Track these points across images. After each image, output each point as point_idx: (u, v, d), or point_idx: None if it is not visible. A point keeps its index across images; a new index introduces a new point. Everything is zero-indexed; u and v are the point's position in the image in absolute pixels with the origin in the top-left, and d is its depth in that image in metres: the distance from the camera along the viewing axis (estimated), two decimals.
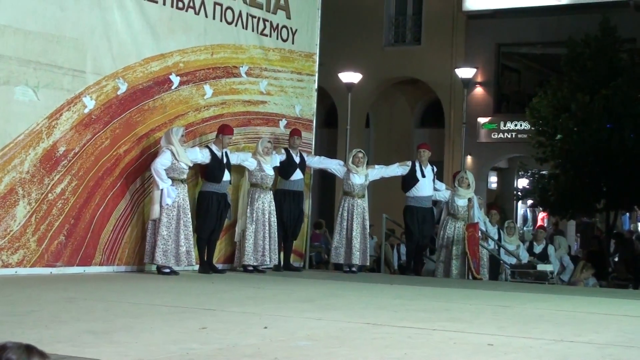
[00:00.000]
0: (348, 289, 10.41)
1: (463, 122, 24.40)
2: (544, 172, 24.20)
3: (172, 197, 11.12)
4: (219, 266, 12.29)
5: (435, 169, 13.95)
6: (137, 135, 11.45)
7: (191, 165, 11.52)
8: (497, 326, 6.85)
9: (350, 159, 13.38)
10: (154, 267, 11.34)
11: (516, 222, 18.31)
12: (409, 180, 13.65)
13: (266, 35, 13.60)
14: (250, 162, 12.45)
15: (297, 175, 13.15)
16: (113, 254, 11.19)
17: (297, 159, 13.17)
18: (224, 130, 12.06)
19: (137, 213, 11.46)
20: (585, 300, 10.17)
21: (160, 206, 11.06)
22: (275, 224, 12.59)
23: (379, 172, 13.81)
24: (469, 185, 13.95)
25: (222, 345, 5.34)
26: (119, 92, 11.28)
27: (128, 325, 6.17)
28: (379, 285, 11.27)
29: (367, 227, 13.45)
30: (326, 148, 25.78)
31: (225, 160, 11.97)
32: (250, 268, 12.35)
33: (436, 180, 13.96)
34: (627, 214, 28.19)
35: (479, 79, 27.78)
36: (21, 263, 10.14)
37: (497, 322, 7.17)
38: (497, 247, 15.05)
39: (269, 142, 12.68)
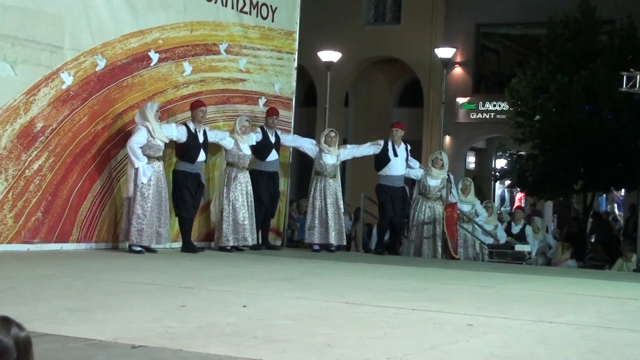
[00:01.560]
0: (328, 268, 10.41)
1: (442, 102, 24.45)
2: (522, 153, 24.25)
3: (147, 176, 10.87)
4: (196, 245, 12.14)
5: (408, 147, 13.78)
6: (115, 112, 11.36)
7: (167, 142, 11.28)
8: (477, 306, 6.87)
9: (323, 139, 13.28)
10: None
11: (494, 203, 18.29)
12: (382, 159, 13.48)
13: (246, 13, 13.51)
14: (227, 141, 12.23)
15: (273, 156, 12.97)
16: (90, 231, 11.12)
17: (272, 139, 12.98)
18: (193, 105, 11.85)
19: (115, 190, 11.39)
20: (564, 281, 10.22)
21: (135, 184, 10.82)
22: (253, 203, 12.43)
23: (350, 151, 13.75)
24: (442, 166, 13.86)
25: (201, 324, 5.32)
26: (97, 69, 11.19)
27: (106, 303, 6.15)
28: (359, 264, 11.27)
29: (342, 206, 13.41)
30: (305, 127, 25.72)
31: (202, 138, 11.75)
32: (229, 248, 12.16)
33: (410, 158, 13.80)
34: (604, 195, 28.31)
35: (458, 59, 27.78)
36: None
37: (476, 302, 7.19)
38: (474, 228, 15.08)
39: (247, 120, 12.51)
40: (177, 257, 10.84)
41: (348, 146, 13.81)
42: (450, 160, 20.51)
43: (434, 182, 13.81)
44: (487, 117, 27.96)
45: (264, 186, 12.80)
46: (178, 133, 11.53)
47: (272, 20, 13.98)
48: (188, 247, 11.66)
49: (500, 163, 28.73)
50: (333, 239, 13.14)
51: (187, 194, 11.62)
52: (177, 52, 12.34)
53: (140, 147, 10.87)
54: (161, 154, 11.19)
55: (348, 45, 27.63)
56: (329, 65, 25.62)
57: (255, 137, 12.67)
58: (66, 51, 10.85)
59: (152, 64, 11.94)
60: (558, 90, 21.05)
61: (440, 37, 27.58)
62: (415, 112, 28.90)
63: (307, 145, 13.46)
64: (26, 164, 10.32)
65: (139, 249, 10.85)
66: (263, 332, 5.08)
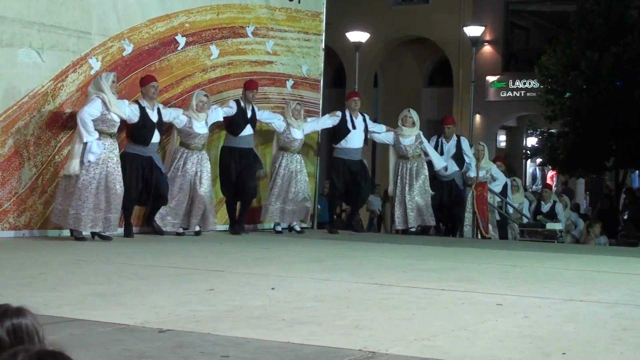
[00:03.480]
0: (357, 249, 10.39)
1: (472, 81, 24.22)
2: (553, 131, 24.10)
3: (96, 154, 9.65)
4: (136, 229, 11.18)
5: (367, 117, 13.26)
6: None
7: (124, 117, 10.21)
8: (506, 286, 6.83)
9: (290, 112, 12.46)
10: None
11: (525, 181, 18.03)
12: (340, 131, 12.90)
13: None
14: (180, 120, 11.13)
15: (247, 130, 11.96)
16: (120, 216, 11.15)
17: (249, 113, 12.01)
18: (142, 80, 10.81)
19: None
20: (594, 259, 10.13)
21: (82, 162, 9.63)
22: (207, 186, 11.29)
23: (311, 125, 12.95)
24: (413, 123, 13.27)
25: (229, 307, 5.33)
26: (124, 54, 11.21)
27: (135, 287, 6.17)
28: (388, 245, 11.24)
29: (307, 183, 12.70)
30: (334, 108, 25.59)
31: (156, 117, 10.71)
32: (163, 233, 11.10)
33: (373, 124, 13.34)
34: (637, 171, 28.08)
35: (488, 37, 27.59)
36: (28, 225, 10.15)
37: (506, 282, 7.15)
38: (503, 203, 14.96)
39: (206, 96, 11.38)
40: (206, 241, 10.85)
41: (308, 119, 12.96)
42: (481, 139, 20.41)
43: (409, 140, 13.12)
44: (517, 95, 27.78)
45: (233, 164, 11.87)
46: (130, 112, 10.38)
47: (299, 2, 13.93)
48: (128, 232, 10.74)
49: (531, 141, 28.58)
50: (303, 217, 12.69)
51: (132, 180, 10.47)
52: (204, 35, 12.34)
53: (93, 121, 9.73)
54: (115, 130, 10.03)
55: (376, 25, 27.50)
56: (357, 45, 25.51)
57: (222, 112, 11.74)
58: (94, 36, 10.88)
59: (179, 48, 11.95)
60: (588, 66, 20.88)
61: (469, 16, 27.39)
62: (444, 92, 28.77)
63: (277, 122, 12.48)
64: (55, 150, 10.37)
65: (81, 236, 9.77)
66: (291, 315, 5.08)
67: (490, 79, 27.99)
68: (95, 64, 10.79)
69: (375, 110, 28.19)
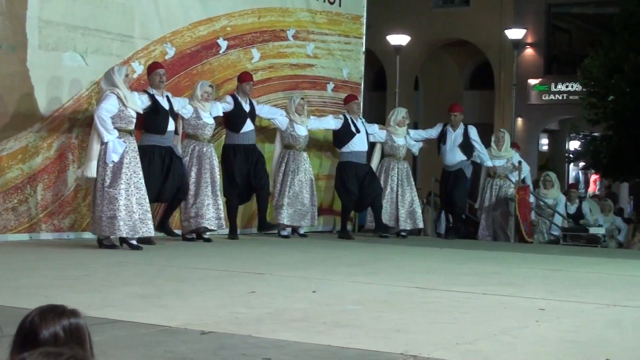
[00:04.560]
0: (397, 252, 10.37)
1: (513, 84, 24.18)
2: (596, 134, 23.87)
3: (118, 153, 9.11)
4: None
5: (364, 121, 12.88)
6: (185, 100, 11.42)
7: (141, 112, 9.59)
8: (549, 290, 6.78)
9: (293, 108, 11.96)
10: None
11: (567, 184, 17.61)
12: (344, 135, 12.41)
13: None
14: (187, 110, 10.66)
15: (248, 126, 11.37)
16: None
17: (246, 108, 11.43)
18: (149, 69, 10.39)
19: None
20: (638, 263, 10.03)
21: (105, 163, 9.09)
22: (216, 182, 10.87)
23: (315, 123, 12.38)
24: (408, 124, 13.16)
25: (270, 310, 5.34)
26: (167, 57, 11.28)
27: (177, 289, 6.21)
28: (429, 249, 11.21)
29: (313, 184, 12.22)
30: (375, 111, 25.64)
31: (167, 105, 10.23)
32: (190, 236, 10.76)
33: (368, 125, 12.91)
34: None
35: (529, 39, 27.41)
36: (72, 227, 10.25)
37: (548, 286, 7.10)
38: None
39: (210, 86, 10.97)
40: (248, 244, 10.88)
41: (312, 117, 12.48)
42: (523, 143, 20.33)
43: (401, 140, 12.93)
44: (560, 98, 27.56)
45: (238, 163, 11.28)
46: (142, 103, 9.79)
47: (339, 5, 13.95)
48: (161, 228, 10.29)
49: (574, 144, 28.30)
50: (310, 221, 12.14)
51: (153, 174, 9.88)
52: (246, 39, 12.39)
53: (110, 118, 9.18)
54: (133, 127, 9.43)
55: (417, 28, 27.44)
56: (398, 48, 25.48)
57: (222, 107, 11.18)
58: (136, 40, 10.97)
59: (220, 52, 12.01)
60: (632, 69, 20.66)
61: (510, 18, 27.24)
62: (486, 95, 28.63)
63: (279, 117, 11.96)
64: None
65: (110, 243, 9.28)
66: (332, 318, 5.08)
67: (532, 82, 27.79)
68: (138, 68, 10.87)
69: (416, 113, 28.11)
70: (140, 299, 5.61)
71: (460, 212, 13.50)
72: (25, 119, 9.86)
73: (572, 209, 15.28)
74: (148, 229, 9.29)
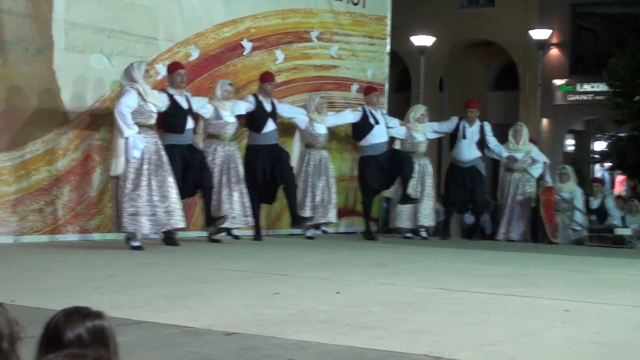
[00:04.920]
0: (422, 254, 10.35)
1: (538, 85, 24.09)
2: (622, 135, 23.74)
3: (139, 148, 9.08)
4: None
5: (384, 111, 13.00)
6: (205, 100, 11.44)
7: (161, 106, 9.61)
8: (574, 291, 6.74)
9: (313, 106, 11.92)
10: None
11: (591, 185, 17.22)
12: (363, 127, 12.37)
13: None
14: (207, 109, 10.68)
15: (270, 126, 11.34)
16: (187, 219, 11.26)
17: (268, 108, 11.39)
18: (170, 68, 10.33)
19: None
20: None
21: (127, 160, 9.10)
22: (241, 180, 10.86)
23: (333, 119, 12.42)
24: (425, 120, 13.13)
25: (294, 311, 5.34)
26: (190, 59, 11.33)
27: (201, 290, 6.22)
28: (453, 249, 11.18)
29: (333, 181, 12.21)
30: (400, 112, 25.55)
31: (186, 105, 10.21)
32: (218, 237, 10.63)
33: (388, 118, 12.89)
34: None
35: (554, 40, 27.29)
36: (98, 229, 10.31)
37: (573, 288, 7.07)
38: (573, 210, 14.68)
39: (230, 84, 10.96)
40: (272, 245, 10.90)
41: (329, 113, 12.42)
42: (548, 144, 20.23)
43: (421, 136, 12.94)
44: (585, 98, 27.42)
45: (261, 163, 11.27)
46: (161, 101, 9.75)
47: (363, 6, 13.96)
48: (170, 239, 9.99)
49: (600, 145, 28.15)
50: (332, 218, 12.14)
51: (176, 172, 9.70)
52: (270, 40, 12.42)
53: (131, 113, 9.15)
54: (154, 121, 9.43)
55: (441, 29, 27.39)
56: (423, 49, 25.45)
57: (245, 106, 11.17)
58: (160, 42, 11.02)
59: (244, 53, 12.04)
60: None
61: (535, 19, 27.13)
62: (510, 95, 28.53)
63: (299, 117, 11.93)
64: None
65: (137, 244, 9.23)
66: (356, 319, 5.08)
67: (557, 82, 27.67)
68: (162, 70, 10.91)
69: (441, 114, 28.02)
70: (164, 300, 5.63)
71: (481, 211, 13.51)
72: (52, 121, 9.93)
73: (595, 204, 15.09)
74: (176, 221, 9.26)
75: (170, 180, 9.30)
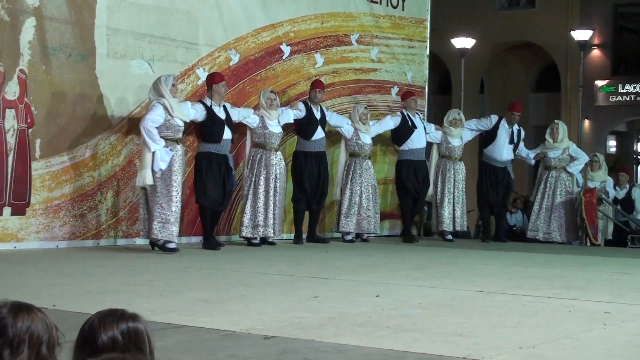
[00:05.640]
0: (460, 256, 10.33)
1: (580, 86, 23.88)
2: None
3: (166, 161, 9.32)
4: (222, 238, 11.06)
5: (421, 117, 13.05)
6: (250, 106, 11.51)
7: (187, 121, 9.90)
8: (614, 293, 6.71)
9: (357, 117, 12.08)
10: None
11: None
12: (403, 132, 12.51)
13: (376, 2, 13.53)
14: (252, 119, 10.80)
15: (319, 134, 11.56)
16: (228, 224, 11.34)
17: (317, 115, 11.59)
18: (214, 79, 10.39)
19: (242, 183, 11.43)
20: None
21: (153, 171, 9.32)
22: (283, 190, 11.06)
23: (375, 128, 12.46)
24: (462, 125, 13.12)
25: (333, 314, 5.37)
26: (231, 63, 11.40)
27: (241, 294, 6.26)
28: (493, 252, 11.14)
29: (376, 190, 12.38)
30: (440, 115, 25.49)
31: (224, 115, 10.35)
32: (255, 242, 10.77)
33: (425, 123, 12.96)
34: None
35: (596, 40, 27.05)
36: (140, 233, 10.37)
37: (614, 290, 7.02)
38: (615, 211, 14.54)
39: (272, 92, 11.01)
40: (311, 248, 10.92)
41: (371, 122, 12.47)
42: (590, 145, 20.06)
43: (457, 141, 12.98)
44: (628, 99, 27.15)
45: (309, 170, 11.51)
46: (195, 112, 10.09)
47: (403, 9, 13.96)
48: (208, 242, 10.25)
49: None
50: (373, 228, 12.22)
51: (211, 181, 10.18)
52: (309, 44, 12.46)
53: (157, 128, 9.39)
54: (181, 135, 9.69)
55: (482, 31, 27.26)
56: (463, 51, 25.35)
57: (293, 114, 11.35)
58: (201, 47, 11.10)
59: (284, 57, 12.09)
60: None
61: (577, 19, 26.92)
62: (552, 97, 28.31)
63: (345, 126, 12.11)
64: None
65: (173, 245, 9.41)
66: (395, 322, 5.09)
67: (599, 83, 27.43)
68: (203, 74, 10.99)
69: (481, 116, 27.87)
70: (204, 304, 5.68)
71: (504, 212, 13.86)
72: (96, 127, 10.04)
73: (622, 194, 14.88)
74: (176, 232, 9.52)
75: (180, 192, 9.56)
